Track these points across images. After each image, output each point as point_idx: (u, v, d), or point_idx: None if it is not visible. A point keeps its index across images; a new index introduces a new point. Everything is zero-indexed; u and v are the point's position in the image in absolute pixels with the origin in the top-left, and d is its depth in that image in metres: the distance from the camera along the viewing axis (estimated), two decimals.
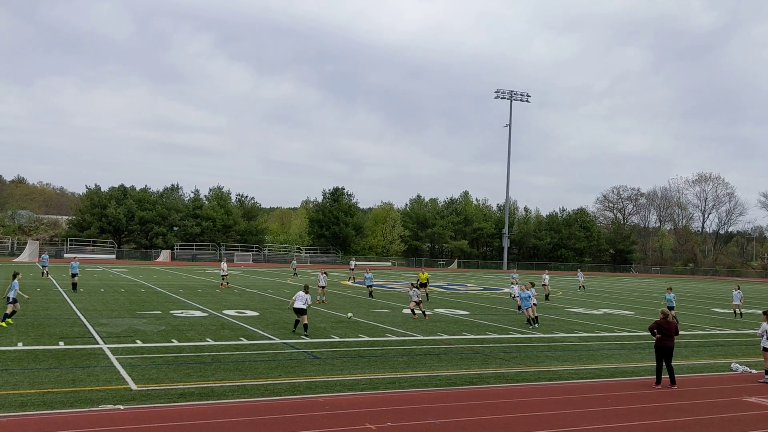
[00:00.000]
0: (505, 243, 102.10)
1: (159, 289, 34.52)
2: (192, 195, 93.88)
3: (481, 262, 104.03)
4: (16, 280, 20.40)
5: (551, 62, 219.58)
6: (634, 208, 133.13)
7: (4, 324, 18.99)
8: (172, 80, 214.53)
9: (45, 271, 40.99)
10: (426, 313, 25.48)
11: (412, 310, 25.24)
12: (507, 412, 11.56)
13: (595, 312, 31.44)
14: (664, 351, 14.27)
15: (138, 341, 17.36)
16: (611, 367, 16.67)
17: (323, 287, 30.40)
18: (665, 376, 14.31)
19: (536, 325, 23.82)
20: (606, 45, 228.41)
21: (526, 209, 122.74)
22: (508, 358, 17.15)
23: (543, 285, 38.99)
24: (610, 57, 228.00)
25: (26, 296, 22.55)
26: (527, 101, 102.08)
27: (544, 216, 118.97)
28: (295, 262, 57.13)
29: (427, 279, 35.31)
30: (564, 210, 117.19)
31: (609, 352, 19.04)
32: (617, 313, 31.58)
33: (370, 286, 35.49)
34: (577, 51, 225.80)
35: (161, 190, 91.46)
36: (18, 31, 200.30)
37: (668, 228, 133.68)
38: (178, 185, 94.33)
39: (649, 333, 14.65)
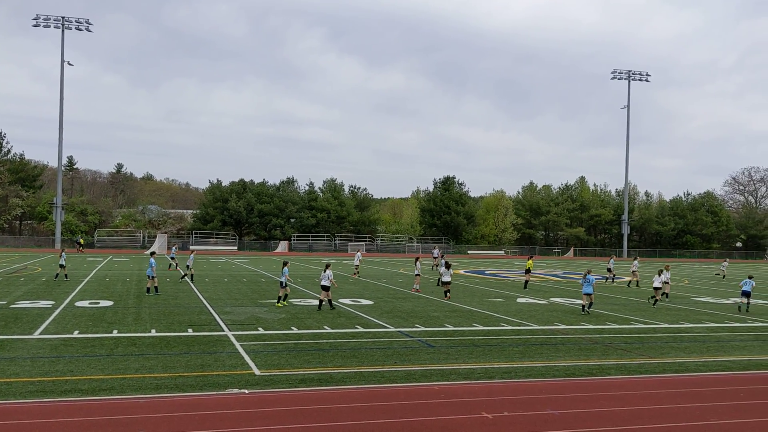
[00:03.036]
0: (625, 230, 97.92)
1: (279, 279, 35.71)
2: (307, 187, 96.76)
3: (599, 250, 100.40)
4: (286, 268, 23.77)
5: (673, 38, 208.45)
6: None
7: (279, 305, 23.07)
8: (286, 76, 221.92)
9: (174, 264, 43.51)
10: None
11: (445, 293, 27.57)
12: (630, 405, 11.12)
13: (726, 301, 29.61)
14: None
15: (260, 328, 18.12)
16: (744, 359, 15.65)
17: (418, 275, 30.89)
18: None
19: (585, 311, 23.31)
20: (733, 17, 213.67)
21: (647, 194, 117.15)
22: (629, 349, 16.50)
23: (632, 272, 37.74)
24: (738, 30, 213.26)
25: (291, 281, 26.47)
26: (647, 80, 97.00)
27: (668, 201, 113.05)
28: (437, 251, 49.41)
29: (531, 267, 34.98)
30: (689, 194, 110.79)
31: (741, 344, 17.89)
32: (750, 302, 29.52)
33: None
34: (700, 25, 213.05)
35: (278, 184, 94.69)
36: (144, 36, 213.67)
37: None
38: (293, 178, 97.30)
39: None
